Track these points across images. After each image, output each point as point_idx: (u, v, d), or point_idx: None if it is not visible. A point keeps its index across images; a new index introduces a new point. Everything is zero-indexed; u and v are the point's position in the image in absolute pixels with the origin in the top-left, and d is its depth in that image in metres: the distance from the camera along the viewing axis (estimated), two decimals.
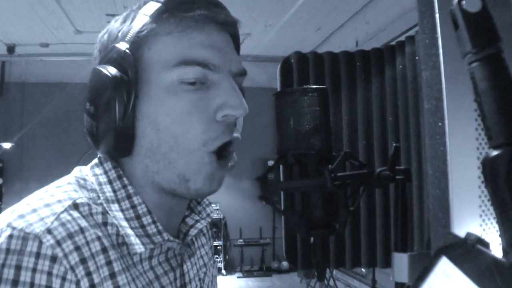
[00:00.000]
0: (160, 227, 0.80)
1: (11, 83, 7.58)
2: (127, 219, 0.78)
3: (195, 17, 0.77)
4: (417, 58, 2.21)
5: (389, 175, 1.71)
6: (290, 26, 5.71)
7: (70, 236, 0.68)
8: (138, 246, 0.77)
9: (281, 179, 2.19)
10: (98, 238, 0.72)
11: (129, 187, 0.81)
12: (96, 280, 0.69)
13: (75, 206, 0.73)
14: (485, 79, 0.70)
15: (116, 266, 0.73)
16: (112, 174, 0.82)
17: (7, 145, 7.20)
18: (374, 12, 4.76)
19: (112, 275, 0.72)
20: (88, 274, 0.68)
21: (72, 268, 0.67)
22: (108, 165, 0.83)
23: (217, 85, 0.78)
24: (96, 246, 0.71)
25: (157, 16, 0.77)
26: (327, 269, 1.94)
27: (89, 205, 0.75)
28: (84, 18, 5.29)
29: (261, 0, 4.65)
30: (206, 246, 1.02)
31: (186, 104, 0.75)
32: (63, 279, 0.66)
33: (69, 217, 0.71)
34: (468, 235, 0.76)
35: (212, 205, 0.99)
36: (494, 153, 0.68)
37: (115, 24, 0.82)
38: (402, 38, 4.07)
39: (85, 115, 0.79)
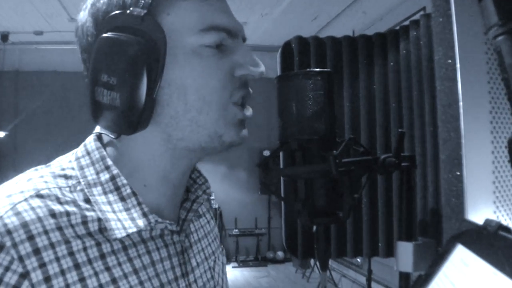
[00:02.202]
0: (146, 209, 0.76)
1: (4, 71, 7.54)
2: (110, 202, 0.75)
3: None
4: (421, 42, 2.16)
5: (394, 162, 1.67)
6: (287, 15, 5.69)
7: (24, 225, 0.65)
8: (118, 231, 0.73)
9: (281, 166, 2.15)
10: (59, 228, 0.67)
11: (113, 168, 0.77)
12: (52, 271, 0.65)
13: (39, 196, 0.69)
14: None
15: (83, 256, 0.68)
16: (95, 155, 0.79)
17: (1, 134, 7.16)
18: (370, 2, 4.75)
19: (77, 266, 0.67)
20: (42, 265, 0.64)
21: (21, 258, 0.63)
22: (91, 145, 0.80)
23: (233, 48, 0.79)
24: (56, 236, 0.67)
25: None
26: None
27: (56, 195, 0.71)
28: (79, 5, 5.23)
29: None
30: (212, 234, 1.00)
31: (211, 64, 0.75)
32: (6, 268, 0.62)
33: (27, 207, 0.67)
34: (488, 221, 0.72)
35: (208, 185, 0.95)
36: None
37: None
38: (398, 27, 4.09)
39: (100, 89, 0.74)
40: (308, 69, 1.93)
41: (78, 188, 0.75)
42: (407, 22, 3.87)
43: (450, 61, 1.08)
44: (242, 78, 0.79)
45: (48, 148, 7.07)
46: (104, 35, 0.73)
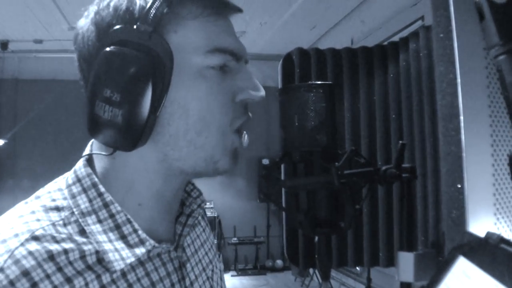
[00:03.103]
0: (143, 236, 0.76)
1: (4, 79, 7.53)
2: (105, 231, 0.74)
3: (217, 3, 0.77)
4: (421, 54, 2.19)
5: (395, 173, 1.69)
6: (286, 24, 5.71)
7: (25, 273, 0.63)
8: (117, 262, 0.73)
9: (283, 176, 2.17)
10: (59, 269, 0.66)
11: (106, 195, 0.76)
12: None
13: (34, 238, 0.68)
14: None
15: None
16: (87, 182, 0.78)
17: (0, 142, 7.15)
18: (369, 10, 4.77)
19: None
20: None
21: None
22: (81, 171, 0.79)
23: (236, 71, 0.79)
24: (58, 278, 0.66)
25: (180, 0, 0.75)
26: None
27: (51, 234, 0.70)
28: (78, 14, 5.25)
29: None
30: (208, 243, 1.00)
31: (214, 87, 0.75)
32: None
33: (24, 252, 0.65)
34: (489, 234, 0.74)
35: (203, 199, 0.95)
36: None
37: (119, 1, 0.76)
38: (397, 37, 4.10)
39: (101, 103, 0.73)
40: (310, 82, 1.95)
41: (72, 219, 0.74)
42: (406, 32, 3.91)
43: (451, 75, 1.10)
44: (243, 102, 0.79)
45: (47, 156, 7.08)
46: (109, 48, 0.72)
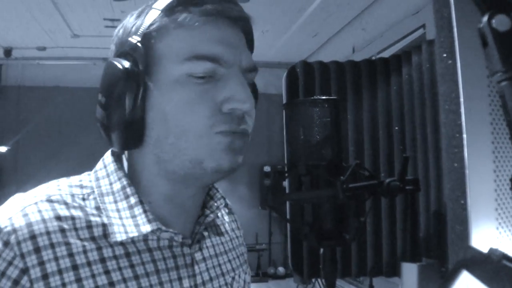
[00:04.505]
0: (151, 217, 0.80)
1: (7, 86, 7.53)
2: (118, 210, 0.80)
3: (206, 11, 0.78)
4: (424, 68, 2.22)
5: (399, 186, 1.72)
6: (288, 32, 5.72)
7: (28, 225, 0.71)
8: (119, 234, 0.77)
9: (287, 189, 2.19)
10: (62, 230, 0.73)
11: (124, 179, 0.82)
12: (49, 269, 0.70)
13: (49, 200, 0.76)
14: None
15: (82, 258, 0.72)
16: (111, 167, 0.84)
17: (3, 149, 7.14)
18: (370, 19, 4.77)
19: (74, 267, 0.72)
20: (41, 263, 0.69)
21: (23, 255, 0.68)
22: (108, 159, 0.85)
23: (225, 79, 0.78)
24: (57, 237, 0.72)
25: (169, 10, 0.78)
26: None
27: (65, 200, 0.77)
28: (81, 22, 5.26)
29: (258, 6, 4.65)
30: (234, 252, 1.02)
31: (193, 95, 0.76)
32: (10, 263, 0.68)
33: (35, 209, 0.73)
34: (492, 250, 0.76)
35: (223, 202, 0.97)
36: None
37: (130, 19, 0.83)
38: (398, 45, 4.11)
39: (97, 107, 0.81)
40: (315, 97, 1.98)
41: (91, 197, 0.81)
42: (407, 40, 3.93)
43: (453, 94, 1.13)
44: (232, 113, 0.78)
45: (50, 163, 7.08)
46: (109, 59, 0.80)
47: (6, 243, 0.69)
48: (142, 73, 0.77)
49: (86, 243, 0.74)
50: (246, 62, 0.82)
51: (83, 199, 0.80)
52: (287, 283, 8.04)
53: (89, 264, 0.73)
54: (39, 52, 6.81)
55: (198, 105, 0.77)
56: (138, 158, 0.84)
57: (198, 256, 0.89)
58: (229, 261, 0.98)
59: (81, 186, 0.82)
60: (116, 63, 0.77)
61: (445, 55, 1.16)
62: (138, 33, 0.78)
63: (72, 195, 0.79)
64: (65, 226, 0.73)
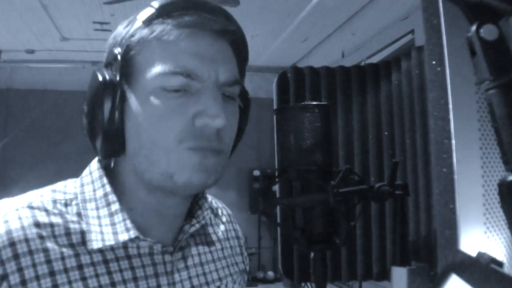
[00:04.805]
0: (130, 225, 0.80)
1: None
2: (99, 217, 0.80)
3: (183, 23, 0.78)
4: (413, 74, 2.25)
5: (388, 190, 1.73)
6: (277, 37, 5.75)
7: (8, 232, 0.72)
8: (96, 242, 0.78)
9: (278, 193, 2.21)
10: (41, 237, 0.74)
11: (107, 186, 0.83)
12: (27, 276, 0.71)
13: (29, 207, 0.77)
14: (502, 105, 0.72)
15: (59, 265, 0.74)
16: (95, 174, 0.85)
17: None
18: (360, 23, 4.80)
19: (52, 273, 0.73)
20: (20, 269, 0.71)
21: (2, 262, 0.70)
22: (94, 166, 0.86)
23: (199, 93, 0.78)
24: (36, 244, 0.73)
25: (148, 22, 0.79)
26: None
27: (45, 207, 0.78)
28: (71, 25, 5.25)
29: (247, 11, 4.66)
30: (224, 261, 1.01)
31: (165, 108, 0.76)
32: None
33: (15, 216, 0.74)
34: (481, 254, 0.78)
35: (209, 213, 0.96)
36: (511, 177, 0.71)
37: (120, 28, 0.84)
38: (387, 50, 4.14)
39: (82, 115, 0.82)
40: (305, 102, 1.99)
41: (74, 202, 0.82)
42: (396, 45, 3.95)
43: (442, 101, 1.15)
44: (205, 129, 0.77)
45: (38, 167, 7.03)
46: (95, 69, 0.80)
47: None
48: (120, 84, 0.78)
49: (64, 250, 0.75)
50: (224, 77, 0.80)
51: (65, 205, 0.81)
52: (277, 287, 8.03)
53: (66, 270, 0.74)
54: (27, 55, 6.77)
55: (169, 118, 0.77)
56: (120, 166, 0.85)
57: (180, 264, 0.89)
58: (217, 270, 0.97)
59: (65, 192, 0.83)
60: (97, 73, 0.78)
61: (434, 62, 1.18)
62: (121, 44, 0.79)
63: (54, 201, 0.80)
64: (44, 233, 0.75)
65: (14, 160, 7.49)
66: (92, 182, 0.84)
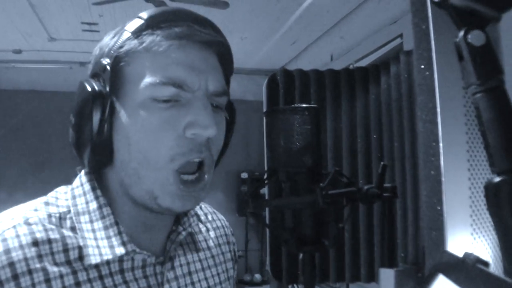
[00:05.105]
0: (125, 238, 0.81)
1: None
2: (94, 230, 0.80)
3: (173, 34, 0.79)
4: (402, 78, 2.27)
5: (377, 193, 1.75)
6: (266, 39, 5.75)
7: (7, 252, 0.71)
8: (94, 257, 0.78)
9: (267, 195, 2.22)
10: (39, 256, 0.73)
11: (101, 198, 0.83)
12: None
13: (26, 223, 0.76)
14: (488, 109, 0.74)
15: (58, 283, 0.73)
16: (87, 186, 0.84)
17: None
18: (348, 27, 4.82)
19: None
20: None
21: (1, 283, 0.69)
22: (85, 177, 0.85)
23: (190, 103, 0.79)
24: (35, 263, 0.72)
25: (137, 33, 0.79)
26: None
27: (42, 223, 0.77)
28: (59, 25, 5.21)
29: (237, 13, 4.67)
30: (216, 269, 1.02)
31: (157, 120, 0.77)
32: None
33: (13, 234, 0.73)
34: (467, 254, 0.80)
35: (195, 220, 0.98)
36: (497, 179, 0.72)
37: (106, 39, 0.84)
38: (376, 54, 4.16)
39: (69, 126, 0.82)
40: (295, 105, 2.01)
41: (68, 216, 0.81)
42: (385, 49, 3.98)
43: (430, 105, 1.17)
44: (196, 139, 0.78)
45: (24, 168, 6.98)
46: (81, 80, 0.80)
47: None
48: (109, 96, 0.77)
49: (62, 268, 0.75)
50: (213, 87, 0.82)
51: (60, 218, 0.80)
52: None
53: None
54: (15, 55, 6.71)
55: (162, 131, 0.77)
56: (107, 178, 0.85)
57: (170, 275, 0.89)
58: (206, 278, 0.98)
59: (57, 205, 0.83)
60: (85, 84, 0.78)
61: (422, 66, 1.20)
62: (110, 55, 0.79)
63: (49, 215, 0.80)
64: (42, 252, 0.74)
65: (0, 161, 7.43)
66: (84, 194, 0.84)
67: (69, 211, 0.82)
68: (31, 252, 0.73)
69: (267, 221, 2.29)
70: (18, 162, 7.19)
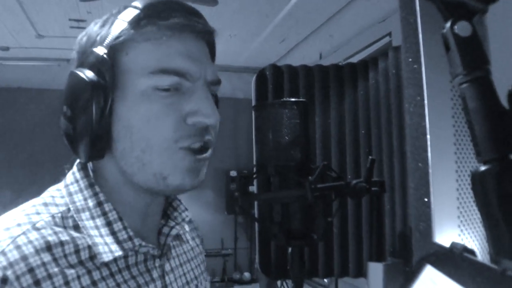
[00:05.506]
0: (131, 233, 0.81)
1: None
2: (97, 227, 0.80)
3: (172, 25, 0.79)
4: (390, 74, 2.28)
5: (365, 187, 1.76)
6: (255, 37, 5.73)
7: (24, 258, 0.69)
8: (105, 254, 0.78)
9: (256, 189, 2.22)
10: (55, 259, 0.72)
11: (101, 195, 0.82)
12: None
13: (35, 228, 0.74)
14: (474, 99, 0.74)
15: (77, 285, 0.73)
16: (84, 182, 0.83)
17: None
18: (337, 25, 4.82)
19: None
20: None
21: None
22: (80, 174, 0.84)
23: (191, 92, 0.80)
24: (53, 267, 0.71)
25: (135, 22, 0.79)
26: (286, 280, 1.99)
27: (50, 225, 0.76)
28: (47, 22, 5.15)
29: (226, 11, 4.66)
30: (196, 261, 1.04)
31: (159, 108, 0.78)
32: None
33: (25, 240, 0.71)
34: (454, 244, 0.80)
35: (188, 214, 1.00)
36: (483, 168, 0.73)
37: (94, 27, 0.83)
38: (365, 52, 4.18)
39: (62, 118, 0.80)
40: (284, 99, 2.01)
41: (69, 214, 0.80)
42: (374, 47, 3.99)
43: (418, 98, 1.18)
44: (196, 125, 0.80)
45: (10, 165, 6.92)
46: (72, 70, 0.79)
47: (4, 280, 0.67)
48: (109, 85, 0.77)
49: (77, 269, 0.74)
50: (210, 76, 0.83)
51: (62, 218, 0.79)
52: None
53: None
54: (2, 52, 6.61)
55: (164, 117, 0.78)
56: (103, 169, 0.85)
57: (167, 267, 0.91)
58: (192, 269, 1.00)
59: (56, 204, 0.81)
60: (81, 74, 0.77)
61: (410, 59, 1.20)
62: (104, 44, 0.78)
63: (53, 216, 0.78)
64: (56, 255, 0.73)
65: None
66: (81, 190, 0.83)
67: (68, 210, 0.81)
68: (47, 256, 0.72)
69: (257, 216, 2.30)
70: (3, 160, 7.13)
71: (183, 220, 0.97)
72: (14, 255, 0.69)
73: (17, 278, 0.67)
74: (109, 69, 0.77)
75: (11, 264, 0.68)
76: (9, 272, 0.67)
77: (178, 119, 0.79)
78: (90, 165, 0.87)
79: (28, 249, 0.70)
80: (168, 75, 0.77)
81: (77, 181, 0.84)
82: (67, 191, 0.84)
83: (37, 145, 6.32)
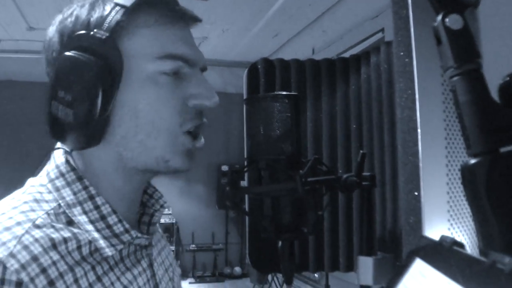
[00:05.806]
0: (127, 226, 0.82)
1: None
2: (91, 221, 0.79)
3: (173, 12, 0.82)
4: (382, 68, 2.28)
5: (356, 181, 1.76)
6: (248, 31, 5.73)
7: (35, 258, 0.67)
8: (108, 249, 0.78)
9: (247, 183, 2.22)
10: (62, 257, 0.71)
11: (91, 188, 0.81)
12: None
13: (36, 226, 0.72)
14: (465, 92, 0.75)
15: (85, 282, 0.73)
16: (71, 176, 0.82)
17: None
18: (330, 21, 4.83)
19: None
20: None
21: None
22: (65, 167, 0.82)
23: (190, 77, 0.83)
24: (62, 266, 0.70)
25: (135, 8, 0.78)
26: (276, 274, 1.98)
27: (50, 222, 0.75)
28: (38, 14, 5.11)
29: (218, 5, 4.65)
30: (167, 248, 1.05)
31: (165, 92, 0.79)
32: None
33: (31, 239, 0.69)
34: (443, 237, 0.81)
35: (165, 200, 1.00)
36: (473, 161, 0.73)
37: (81, 10, 0.82)
38: (357, 48, 4.18)
39: (55, 103, 0.78)
40: (276, 92, 2.01)
41: (60, 210, 0.79)
42: (366, 43, 4.00)
43: (409, 91, 1.18)
44: (197, 107, 0.83)
45: (1, 158, 6.89)
46: (66, 53, 0.77)
47: (19, 283, 0.64)
48: (113, 71, 0.76)
49: (83, 265, 0.74)
50: (203, 63, 0.87)
51: (55, 214, 0.78)
52: (244, 283, 8.06)
53: (90, 285, 0.74)
54: None
55: (170, 101, 0.80)
56: (91, 156, 0.84)
57: (152, 256, 0.92)
58: (167, 257, 1.02)
59: (46, 200, 0.80)
60: (83, 58, 0.75)
61: (402, 53, 1.20)
62: (104, 28, 0.77)
63: (47, 213, 0.77)
64: (62, 253, 0.72)
65: None
66: (69, 184, 0.81)
67: (59, 205, 0.79)
68: (55, 255, 0.71)
69: (247, 210, 2.29)
70: None
71: (162, 206, 0.98)
72: (24, 256, 0.67)
73: (32, 280, 0.66)
74: (116, 53, 0.77)
75: (23, 266, 0.66)
76: (23, 275, 0.65)
77: (182, 102, 0.81)
78: (72, 156, 0.85)
79: (36, 249, 0.69)
80: (173, 60, 0.80)
81: (62, 175, 0.82)
82: (53, 186, 0.82)
83: (27, 138, 6.27)
